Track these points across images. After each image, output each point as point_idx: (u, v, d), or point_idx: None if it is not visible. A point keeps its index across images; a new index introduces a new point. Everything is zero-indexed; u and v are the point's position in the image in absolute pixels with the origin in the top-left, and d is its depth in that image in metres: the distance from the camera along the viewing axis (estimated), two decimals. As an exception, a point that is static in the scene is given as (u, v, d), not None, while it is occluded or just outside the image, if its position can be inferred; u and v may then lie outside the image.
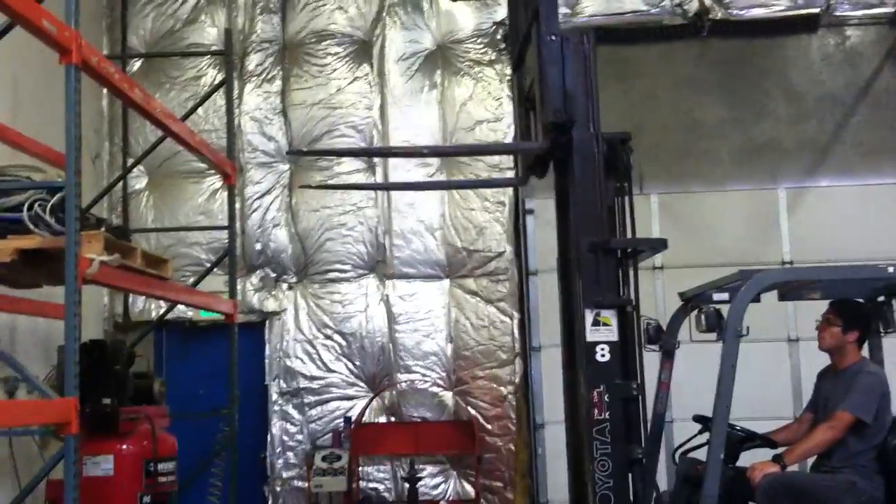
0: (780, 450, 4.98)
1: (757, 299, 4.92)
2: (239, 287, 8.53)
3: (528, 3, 5.29)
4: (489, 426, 8.79)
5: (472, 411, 8.81)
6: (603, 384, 4.70)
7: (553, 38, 4.91)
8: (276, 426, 8.93)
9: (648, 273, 8.70)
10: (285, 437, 8.92)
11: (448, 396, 8.92)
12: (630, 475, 4.66)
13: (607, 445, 4.64)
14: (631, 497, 4.64)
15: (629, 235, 5.11)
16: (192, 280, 8.16)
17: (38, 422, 5.00)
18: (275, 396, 8.97)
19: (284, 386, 8.99)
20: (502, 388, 8.81)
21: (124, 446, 6.14)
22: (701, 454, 4.75)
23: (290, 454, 8.89)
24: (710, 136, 9.17)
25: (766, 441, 5.09)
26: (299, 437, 8.91)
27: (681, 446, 5.28)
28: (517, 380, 8.76)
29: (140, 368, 7.19)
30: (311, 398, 8.95)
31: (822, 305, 5.23)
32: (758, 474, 4.72)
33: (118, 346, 6.84)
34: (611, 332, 4.81)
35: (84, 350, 5.99)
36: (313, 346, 9.05)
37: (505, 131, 9.02)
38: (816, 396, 5.27)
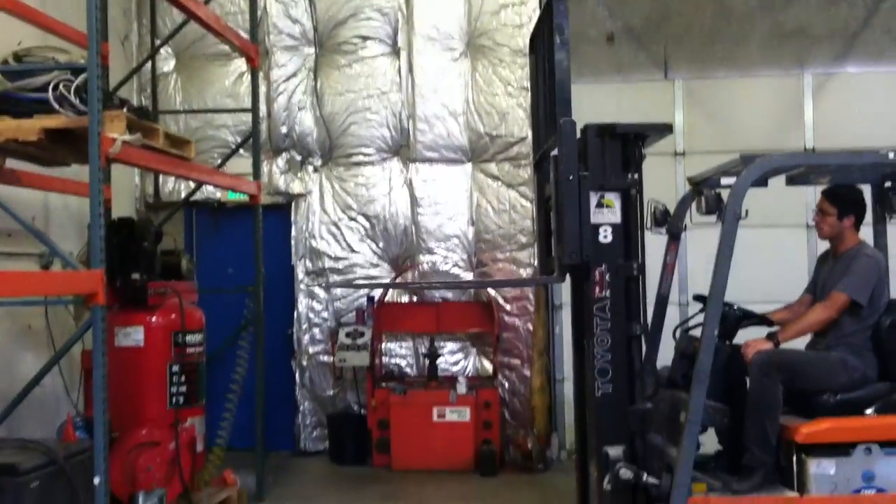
0: (774, 328, 5.13)
1: (764, 184, 5.00)
2: (265, 170, 8.71)
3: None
4: (508, 307, 9.03)
5: (492, 292, 9.04)
6: (605, 263, 4.84)
7: (571, 178, 4.91)
8: (302, 304, 9.24)
9: (669, 159, 8.77)
10: (311, 315, 9.24)
11: (469, 277, 9.14)
12: (629, 350, 4.83)
13: (607, 322, 4.82)
14: (628, 371, 4.82)
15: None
16: (219, 162, 8.34)
17: (67, 292, 5.28)
18: (301, 276, 9.25)
19: (310, 266, 9.26)
20: (521, 271, 9.01)
21: (153, 318, 6.44)
22: (700, 332, 4.89)
23: (315, 331, 9.22)
24: (738, 21, 9.07)
25: (762, 320, 5.23)
26: (324, 314, 9.22)
27: (681, 324, 5.45)
28: (536, 263, 8.93)
29: (169, 246, 7.47)
30: (336, 278, 9.23)
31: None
32: (751, 351, 4.89)
33: (146, 223, 7.09)
34: (614, 215, 4.93)
35: (113, 227, 6.27)
36: (338, 228, 9.27)
37: (530, 15, 8.97)
38: (815, 279, 5.38)
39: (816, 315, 4.99)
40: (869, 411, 4.80)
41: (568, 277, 5.20)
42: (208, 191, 8.78)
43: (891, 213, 5.39)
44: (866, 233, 5.33)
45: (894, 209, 5.35)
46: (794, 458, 4.71)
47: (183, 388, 6.59)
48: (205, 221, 9.39)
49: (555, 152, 4.96)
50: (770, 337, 4.97)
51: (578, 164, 4.88)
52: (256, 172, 7.76)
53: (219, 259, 9.10)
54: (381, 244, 9.24)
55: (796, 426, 4.72)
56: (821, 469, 4.64)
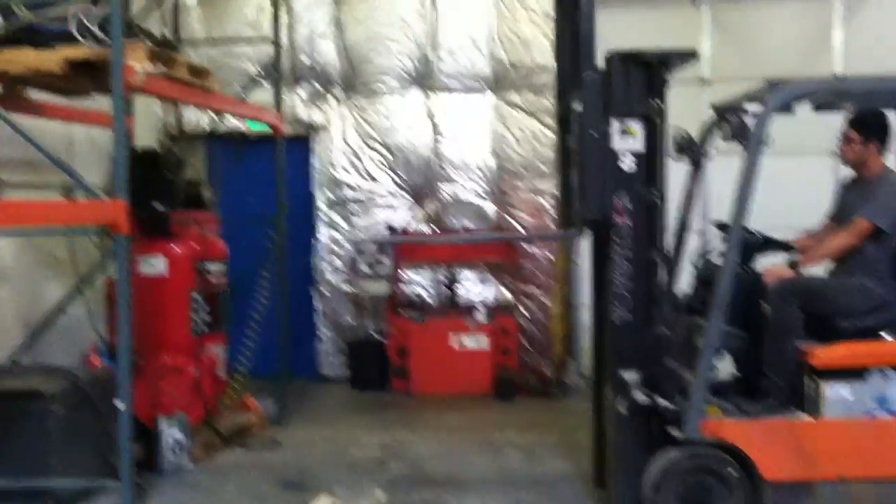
0: (795, 256, 5.12)
1: (790, 111, 4.95)
2: (287, 101, 8.68)
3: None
4: (528, 236, 9.07)
5: (512, 221, 9.05)
6: (625, 190, 4.84)
7: (594, 134, 4.85)
8: (322, 233, 9.30)
9: (695, 87, 8.65)
10: (331, 244, 9.30)
11: (489, 207, 9.15)
12: (648, 277, 4.85)
13: (627, 249, 4.83)
14: (646, 297, 4.85)
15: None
16: (240, 93, 8.32)
17: (91, 221, 5.34)
18: (321, 205, 9.29)
19: (331, 196, 9.29)
20: (542, 200, 9.00)
21: (176, 247, 6.53)
22: (720, 259, 4.90)
23: (336, 260, 9.29)
24: (769, -59, 8.87)
25: (784, 246, 5.23)
26: (345, 244, 9.28)
27: (702, 251, 5.45)
28: (557, 191, 8.89)
29: (191, 178, 7.52)
30: (356, 207, 9.26)
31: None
32: (772, 278, 4.90)
33: (169, 154, 7.14)
34: (637, 142, 4.90)
35: (135, 157, 6.31)
36: (359, 158, 9.27)
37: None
38: (838, 205, 5.34)
39: (838, 241, 4.96)
40: (885, 335, 4.81)
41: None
42: (231, 123, 8.79)
43: (917, 139, 5.34)
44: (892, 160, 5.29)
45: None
46: (809, 382, 4.75)
47: (205, 316, 6.72)
48: (227, 154, 9.39)
49: (579, 107, 4.93)
50: (791, 264, 4.96)
51: (602, 96, 4.84)
52: (278, 103, 7.75)
53: (240, 190, 9.12)
54: (402, 174, 9.24)
55: (812, 350, 4.74)
56: (835, 392, 4.67)
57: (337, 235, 9.31)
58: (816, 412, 4.70)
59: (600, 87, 4.85)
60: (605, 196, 4.84)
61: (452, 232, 9.10)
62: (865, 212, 4.90)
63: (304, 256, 9.28)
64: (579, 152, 4.95)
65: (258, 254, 7.96)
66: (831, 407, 4.68)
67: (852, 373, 4.69)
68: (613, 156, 4.86)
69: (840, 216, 5.29)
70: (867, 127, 5.02)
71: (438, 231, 9.13)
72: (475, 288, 9.16)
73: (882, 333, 4.81)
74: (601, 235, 5.09)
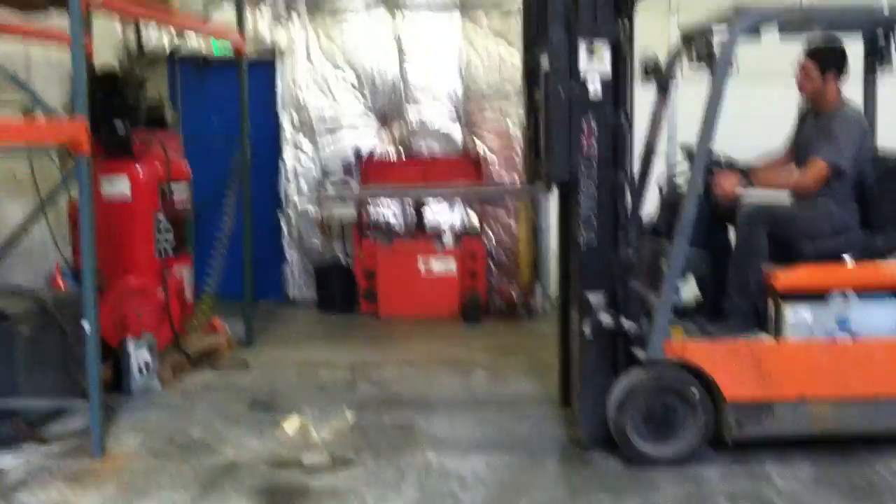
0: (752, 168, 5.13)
1: (757, 35, 4.93)
2: (251, 22, 8.50)
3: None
4: (495, 160, 9.02)
5: (479, 145, 9.01)
6: (592, 113, 4.81)
7: (562, 94, 4.75)
8: (288, 156, 9.20)
9: (663, 13, 8.55)
10: (297, 167, 9.22)
11: (456, 131, 9.09)
12: (614, 201, 4.86)
13: (593, 172, 4.81)
14: (613, 220, 4.86)
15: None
16: (202, 13, 8.16)
17: (51, 140, 5.25)
18: (286, 128, 9.18)
19: (296, 117, 9.17)
20: (509, 122, 8.96)
21: (138, 168, 6.44)
22: (685, 183, 4.92)
23: (302, 183, 9.23)
24: None
25: (746, 171, 5.24)
26: (311, 167, 9.21)
27: (667, 175, 5.47)
28: (524, 114, 8.84)
29: (154, 98, 7.37)
30: (323, 129, 9.16)
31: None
32: (722, 184, 4.89)
33: (130, 74, 7.00)
34: (603, 64, 4.86)
35: (95, 77, 6.17)
36: (324, 80, 9.14)
37: None
38: (796, 136, 5.35)
39: (796, 179, 4.98)
40: (847, 258, 4.89)
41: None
42: (193, 45, 8.59)
43: (882, 65, 5.35)
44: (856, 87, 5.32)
45: (885, 61, 5.31)
46: (772, 305, 4.82)
47: (170, 238, 6.66)
48: (189, 77, 9.23)
49: (546, 65, 4.87)
50: (744, 175, 4.98)
51: (568, 57, 4.76)
52: (241, 24, 7.58)
53: (204, 112, 8.99)
54: (368, 97, 9.14)
55: (775, 273, 4.81)
56: (797, 315, 4.75)
57: (303, 158, 9.22)
58: (778, 334, 4.78)
59: (567, 47, 4.78)
60: (572, 156, 4.81)
61: (419, 157, 9.05)
62: (822, 153, 4.90)
63: (270, 179, 9.20)
64: (546, 110, 4.91)
65: (223, 176, 7.88)
66: (793, 329, 4.75)
67: (814, 295, 4.76)
68: (580, 77, 4.81)
69: (798, 145, 5.32)
70: (824, 59, 5.00)
71: (405, 155, 9.08)
72: (442, 212, 9.15)
73: (844, 256, 4.88)
74: (567, 197, 5.09)
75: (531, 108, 5.43)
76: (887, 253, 4.98)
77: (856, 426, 4.81)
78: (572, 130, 4.78)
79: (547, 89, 4.84)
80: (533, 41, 5.34)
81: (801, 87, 5.12)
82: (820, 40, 5.08)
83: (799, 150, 5.24)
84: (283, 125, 9.19)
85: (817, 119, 5.12)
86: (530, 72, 5.42)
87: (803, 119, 5.32)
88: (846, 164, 4.90)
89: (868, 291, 4.78)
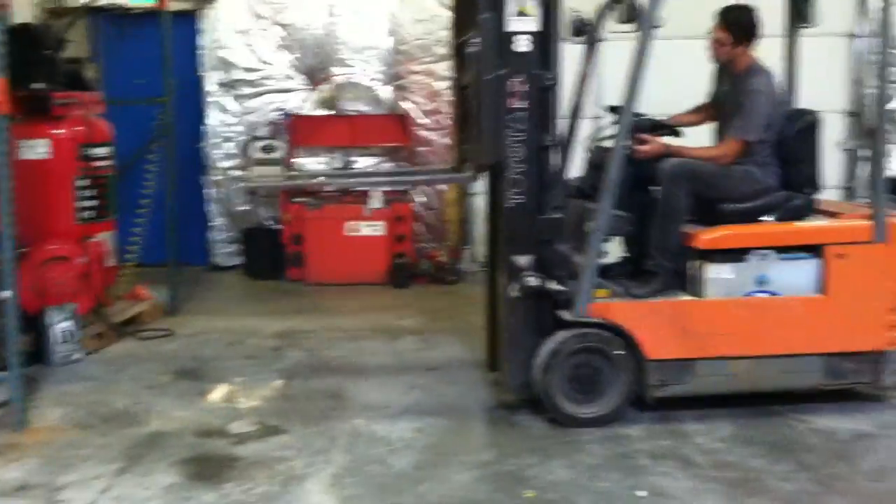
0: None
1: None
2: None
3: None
4: (424, 120, 8.97)
5: (408, 105, 8.94)
6: (520, 73, 4.78)
7: (490, 77, 4.69)
8: (212, 117, 9.02)
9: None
10: (222, 128, 9.04)
11: (385, 90, 9.01)
12: (541, 161, 4.86)
13: (521, 132, 4.80)
14: (539, 181, 4.87)
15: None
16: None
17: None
18: (210, 87, 8.99)
19: (221, 77, 8.99)
20: (438, 84, 8.90)
21: (58, 130, 6.28)
22: (611, 143, 4.94)
23: (227, 144, 9.06)
24: None
25: (672, 131, 5.29)
26: (237, 128, 9.04)
27: (593, 135, 5.49)
28: (454, 74, 8.79)
29: (73, 56, 7.16)
30: (248, 90, 9.00)
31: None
32: (643, 146, 4.99)
33: (47, 29, 6.78)
34: (532, 23, 4.83)
35: (11, 33, 5.94)
36: (249, 37, 8.96)
37: None
38: (714, 90, 5.42)
39: (714, 153, 5.07)
40: (767, 218, 4.98)
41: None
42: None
43: (801, 22, 5.43)
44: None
45: (806, 19, 5.38)
46: (694, 264, 4.90)
47: (92, 203, 6.52)
48: (110, 30, 8.99)
49: (474, 48, 4.81)
50: (668, 132, 5.08)
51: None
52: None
53: (126, 70, 8.77)
54: (295, 55, 8.99)
55: (697, 233, 4.88)
56: (718, 273, 4.84)
57: (228, 119, 9.05)
58: (699, 293, 4.87)
59: (496, 30, 4.72)
60: (500, 141, 4.78)
61: (346, 116, 8.94)
62: (734, 130, 5.00)
63: (194, 141, 9.02)
64: (475, 93, 4.87)
65: (146, 138, 7.72)
66: (714, 288, 4.85)
67: (735, 254, 4.86)
68: (508, 36, 4.77)
69: (717, 101, 5.39)
70: (737, 28, 5.03)
71: (333, 113, 8.98)
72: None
73: (763, 217, 4.98)
74: (496, 182, 5.08)
75: (459, 91, 5.40)
76: (805, 212, 5.09)
77: (773, 383, 4.94)
78: (500, 112, 4.75)
79: (476, 71, 4.80)
80: (462, 22, 5.29)
81: (714, 56, 5.17)
82: (733, 8, 5.10)
83: (718, 108, 5.32)
84: (208, 85, 9.00)
85: (732, 82, 5.16)
86: (459, 54, 5.39)
87: (720, 74, 5.36)
88: (757, 138, 4.99)
89: (786, 250, 4.88)
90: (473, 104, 4.90)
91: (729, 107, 5.11)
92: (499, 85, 4.74)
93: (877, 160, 4.99)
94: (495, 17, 4.70)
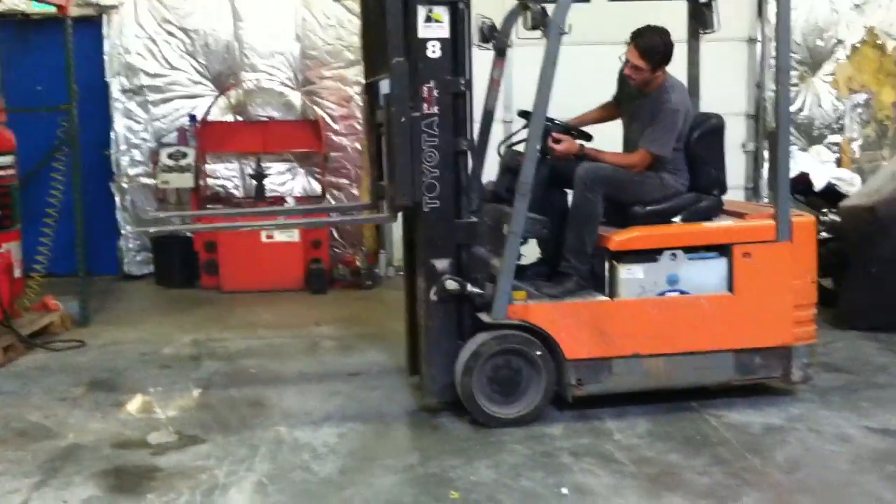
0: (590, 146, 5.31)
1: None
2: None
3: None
4: (336, 126, 8.96)
5: (319, 111, 8.92)
6: (432, 79, 4.83)
7: (403, 120, 4.74)
8: (119, 124, 8.87)
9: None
10: (129, 135, 8.90)
11: (295, 96, 8.97)
12: (456, 166, 4.92)
13: (435, 138, 4.84)
14: (455, 186, 4.92)
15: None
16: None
17: None
18: (116, 94, 8.83)
19: (126, 83, 8.84)
20: (349, 89, 8.90)
21: (-43, 139, 6.09)
22: (523, 147, 5.02)
23: (135, 152, 8.92)
24: None
25: (583, 135, 5.41)
26: (144, 135, 8.91)
27: (506, 140, 5.57)
28: (364, 81, 8.80)
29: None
30: (155, 96, 8.88)
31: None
32: (559, 147, 5.12)
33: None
34: (442, 29, 4.87)
35: None
36: (155, 43, 8.85)
37: None
38: (620, 94, 5.52)
39: (624, 160, 5.19)
40: (676, 220, 5.13)
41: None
42: (11, 2, 8.11)
43: (704, 28, 5.60)
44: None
45: (707, 25, 5.55)
46: (607, 265, 5.02)
47: (-5, 213, 6.34)
48: (10, 37, 8.73)
49: (386, 90, 4.86)
50: (581, 137, 5.20)
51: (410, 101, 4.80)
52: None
53: (27, 77, 8.53)
54: (202, 60, 8.89)
55: (609, 235, 5.00)
56: (630, 274, 4.96)
57: (135, 125, 8.89)
58: (614, 293, 4.99)
59: (409, 74, 4.77)
60: (416, 184, 4.83)
61: (257, 121, 8.87)
62: (647, 142, 5.12)
63: (101, 148, 8.83)
64: (389, 135, 4.91)
65: (50, 145, 7.54)
66: (627, 288, 4.96)
67: (646, 255, 4.98)
68: (420, 42, 4.81)
69: (618, 102, 5.52)
70: (653, 55, 5.10)
71: (242, 120, 8.90)
72: (284, 179, 9.04)
73: (673, 219, 5.12)
74: (412, 222, 5.16)
75: (372, 126, 5.44)
76: (713, 213, 5.26)
77: (687, 379, 5.08)
78: (415, 154, 4.79)
79: (388, 114, 4.85)
80: (372, 61, 5.35)
81: (630, 80, 5.23)
82: (648, 34, 5.15)
83: (626, 111, 5.44)
84: (112, 91, 8.82)
85: (647, 94, 5.26)
86: (370, 91, 5.45)
87: (625, 79, 5.44)
88: (669, 153, 5.14)
89: (695, 251, 5.03)
90: (387, 146, 4.96)
91: (642, 117, 5.21)
92: (413, 127, 4.79)
93: (778, 161, 5.16)
94: (405, 63, 4.75)
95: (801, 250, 5.08)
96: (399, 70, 4.74)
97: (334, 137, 8.94)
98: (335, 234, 8.97)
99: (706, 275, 5.05)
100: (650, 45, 5.12)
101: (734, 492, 4.06)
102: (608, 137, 5.48)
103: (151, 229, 5.39)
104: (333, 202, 8.97)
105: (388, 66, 4.75)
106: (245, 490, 4.14)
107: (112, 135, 8.86)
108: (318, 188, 9.00)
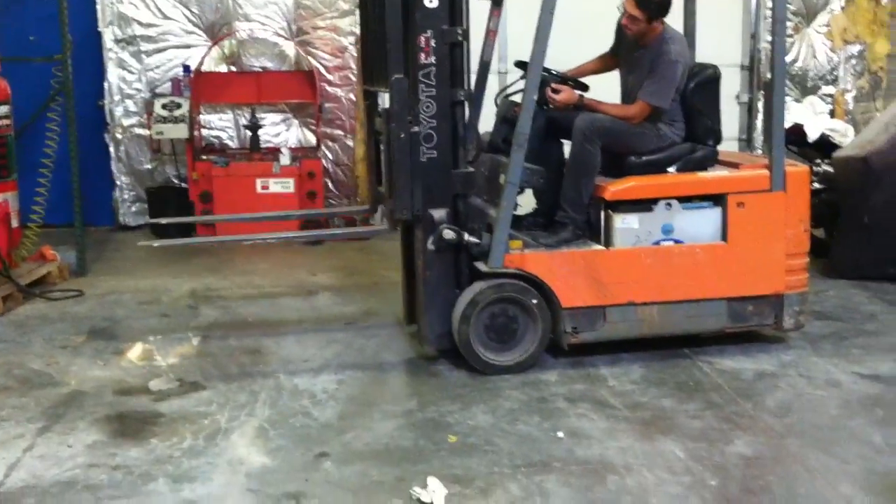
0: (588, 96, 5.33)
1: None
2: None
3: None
4: (330, 76, 8.92)
5: (314, 62, 8.88)
6: (430, 29, 4.82)
7: (403, 136, 4.77)
8: (112, 74, 8.81)
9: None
10: (123, 85, 8.85)
11: (289, 46, 8.92)
12: (453, 116, 4.94)
13: (432, 88, 4.85)
14: (452, 136, 4.94)
15: None
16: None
17: None
18: (109, 44, 8.77)
19: (119, 33, 8.77)
20: (343, 39, 8.86)
21: (-48, 89, 6.07)
22: (520, 97, 5.03)
23: (129, 102, 8.87)
24: None
25: (580, 85, 5.42)
26: (138, 85, 8.86)
27: (503, 91, 5.58)
28: (359, 30, 8.76)
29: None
30: (148, 46, 8.81)
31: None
32: (558, 97, 5.15)
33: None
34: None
35: None
36: (148, -8, 8.78)
37: None
38: (617, 45, 5.51)
39: (621, 112, 5.19)
40: (672, 169, 5.17)
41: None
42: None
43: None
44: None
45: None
46: (603, 215, 5.07)
47: (-9, 163, 6.34)
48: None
49: (385, 104, 4.87)
50: (581, 93, 5.22)
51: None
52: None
53: (20, 28, 8.47)
54: (195, 10, 8.82)
55: (605, 185, 5.04)
56: (625, 223, 5.01)
57: (128, 76, 8.85)
58: (609, 243, 5.05)
59: (408, 91, 4.80)
60: (415, 197, 4.88)
61: (252, 72, 8.84)
62: (646, 94, 5.12)
63: (95, 99, 8.80)
64: (388, 150, 4.95)
65: (44, 97, 7.50)
66: (622, 237, 5.02)
67: (641, 205, 5.03)
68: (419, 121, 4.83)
69: (616, 53, 5.52)
70: (651, 6, 5.07)
71: (236, 70, 8.86)
72: (278, 131, 9.03)
73: (668, 168, 5.16)
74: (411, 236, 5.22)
75: (371, 132, 5.45)
76: (708, 163, 5.30)
77: (681, 327, 5.16)
78: (414, 168, 4.85)
79: (388, 128, 4.88)
80: (371, 69, 5.36)
81: (627, 30, 5.21)
82: None
83: (624, 62, 5.45)
84: (105, 41, 8.77)
85: (646, 46, 5.25)
86: (369, 98, 5.48)
87: (623, 31, 5.44)
88: (668, 105, 5.16)
89: (690, 200, 5.09)
90: (386, 158, 5.01)
91: (641, 69, 5.21)
92: (412, 143, 4.83)
93: (773, 112, 5.19)
94: (405, 80, 4.78)
95: (795, 200, 5.14)
96: (398, 87, 4.78)
97: (329, 88, 8.91)
98: (330, 186, 8.98)
99: (700, 224, 5.11)
100: None
101: (726, 435, 4.16)
102: (605, 88, 5.50)
103: (155, 243, 5.52)
104: (328, 153, 8.97)
105: (388, 82, 4.79)
106: (247, 434, 4.22)
107: (106, 85, 8.82)
108: (312, 139, 8.99)
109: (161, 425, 4.34)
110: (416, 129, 4.84)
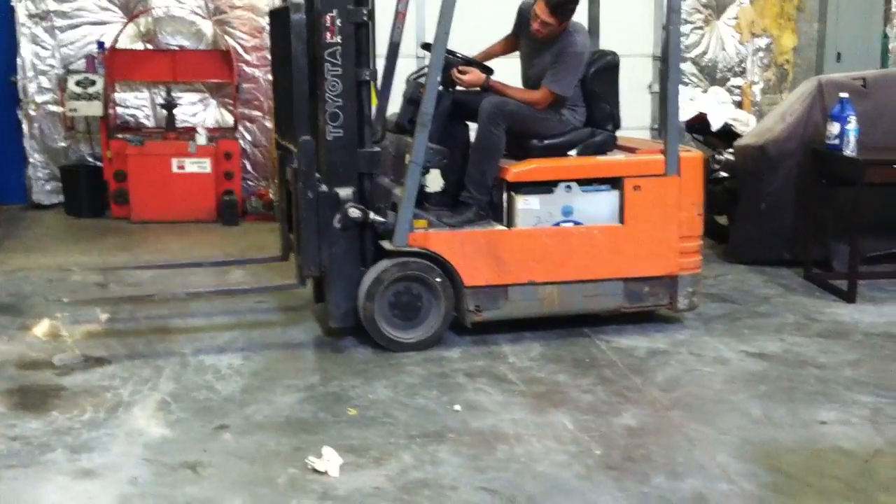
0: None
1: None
2: None
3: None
4: (248, 56, 8.91)
5: (231, 41, 8.86)
6: (335, 8, 4.87)
7: (310, 195, 4.86)
8: (25, 49, 8.67)
9: None
10: (36, 61, 8.71)
11: (206, 25, 8.88)
12: (359, 96, 5.02)
13: (338, 67, 4.92)
14: (358, 116, 5.03)
15: None
16: None
17: None
18: (22, 18, 8.63)
19: (32, 7, 8.63)
20: (261, 20, 8.83)
21: None
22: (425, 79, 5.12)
23: (42, 78, 8.74)
24: None
25: (483, 68, 5.53)
26: (51, 61, 8.73)
27: (416, 73, 5.66)
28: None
29: None
30: (62, 22, 8.69)
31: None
32: (465, 77, 5.27)
33: None
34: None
35: None
36: (60, -34, 8.66)
37: None
38: (518, 28, 5.60)
39: (526, 97, 5.32)
40: (572, 153, 5.33)
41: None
42: None
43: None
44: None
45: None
46: (505, 196, 5.21)
47: None
48: None
49: (294, 164, 4.97)
50: (487, 75, 5.34)
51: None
52: None
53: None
54: (110, -14, 8.74)
55: (507, 167, 5.18)
56: (527, 205, 5.16)
57: (42, 52, 8.73)
58: (511, 223, 5.19)
59: (315, 151, 4.91)
60: (323, 256, 4.98)
61: (167, 50, 8.78)
62: (550, 82, 5.25)
63: (7, 75, 8.67)
64: (296, 208, 5.02)
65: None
66: (523, 218, 5.17)
67: (542, 187, 5.19)
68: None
69: (518, 34, 5.61)
70: (562, 10, 5.17)
71: (152, 48, 8.79)
72: (195, 110, 9.00)
73: (569, 152, 5.33)
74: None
75: (283, 181, 5.55)
76: (607, 148, 5.47)
77: (579, 306, 5.34)
78: (321, 228, 4.96)
79: (296, 187, 4.96)
80: (283, 124, 5.46)
81: (537, 34, 5.29)
82: None
83: (525, 47, 5.54)
84: (18, 15, 8.63)
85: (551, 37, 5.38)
86: (280, 147, 5.58)
87: (527, 14, 5.48)
88: (570, 93, 5.32)
89: (589, 183, 5.25)
90: (295, 215, 5.08)
91: (543, 56, 5.33)
92: (319, 203, 4.93)
93: (668, 98, 5.34)
94: (312, 141, 4.88)
95: (689, 184, 5.35)
96: (306, 148, 4.88)
97: (246, 68, 8.89)
98: (248, 167, 8.99)
99: (599, 206, 5.28)
100: (560, 1, 5.15)
101: (614, 408, 4.34)
102: (509, 72, 5.63)
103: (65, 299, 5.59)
104: (245, 133, 8.97)
105: (296, 142, 4.88)
106: (148, 407, 4.27)
107: (19, 61, 8.67)
108: (230, 120, 8.98)
109: (63, 398, 4.37)
110: (323, 189, 4.94)
